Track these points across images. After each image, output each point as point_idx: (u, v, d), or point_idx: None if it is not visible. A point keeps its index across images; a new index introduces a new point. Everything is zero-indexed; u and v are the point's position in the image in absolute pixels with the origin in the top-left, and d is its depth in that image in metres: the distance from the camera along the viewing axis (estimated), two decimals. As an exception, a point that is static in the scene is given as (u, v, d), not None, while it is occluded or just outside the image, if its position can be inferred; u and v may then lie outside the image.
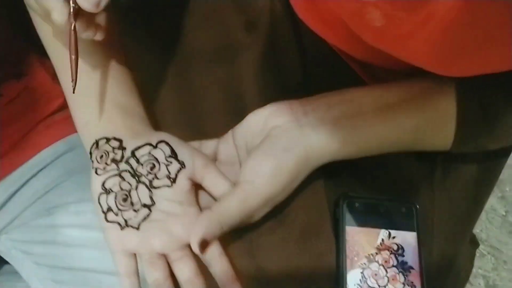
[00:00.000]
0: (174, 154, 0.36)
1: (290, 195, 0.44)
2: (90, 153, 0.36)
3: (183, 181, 0.36)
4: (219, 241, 0.37)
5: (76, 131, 0.55)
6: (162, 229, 0.35)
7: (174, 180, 0.35)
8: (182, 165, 0.36)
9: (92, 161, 0.36)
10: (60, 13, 0.31)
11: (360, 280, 0.42)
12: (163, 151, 0.36)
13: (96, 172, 0.35)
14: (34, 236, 0.53)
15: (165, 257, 0.36)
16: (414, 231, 0.44)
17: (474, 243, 0.54)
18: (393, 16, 0.26)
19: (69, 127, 0.57)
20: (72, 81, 0.33)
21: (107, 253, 0.52)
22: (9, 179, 0.53)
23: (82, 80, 0.37)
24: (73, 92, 0.34)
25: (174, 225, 0.35)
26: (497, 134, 0.39)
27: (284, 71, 0.46)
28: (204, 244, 0.34)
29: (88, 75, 0.39)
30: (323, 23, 0.33)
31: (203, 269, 0.37)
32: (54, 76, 0.58)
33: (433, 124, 0.38)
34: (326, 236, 0.44)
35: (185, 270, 0.36)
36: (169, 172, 0.35)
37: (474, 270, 0.52)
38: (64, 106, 0.57)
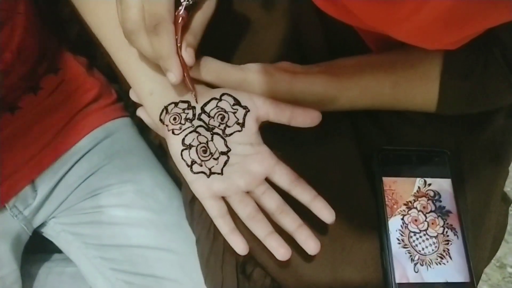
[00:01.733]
0: (237, 102, 0.39)
1: (322, 153, 0.47)
2: (161, 119, 0.39)
3: (250, 124, 0.39)
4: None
5: (112, 119, 0.60)
6: (242, 170, 0.39)
7: (243, 124, 0.39)
8: (247, 109, 0.39)
9: (167, 125, 0.38)
10: (176, 75, 0.37)
11: (401, 226, 0.43)
12: (228, 102, 0.39)
13: (173, 133, 0.38)
14: (81, 218, 0.56)
15: (250, 195, 0.40)
16: (449, 177, 0.46)
17: (506, 200, 0.55)
18: None
19: (106, 115, 0.60)
20: (192, 93, 0.39)
21: (150, 231, 0.55)
22: (54, 167, 0.55)
23: (141, 55, 0.40)
24: (196, 102, 0.39)
25: (252, 164, 0.39)
26: (477, 98, 0.42)
27: (308, 50, 0.48)
28: None
29: None
30: (338, 9, 0.36)
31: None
32: (87, 69, 0.61)
33: (412, 83, 0.42)
34: (362, 189, 0.46)
35: (272, 201, 0.39)
36: (237, 118, 0.38)
37: (508, 227, 0.53)
38: (99, 97, 0.60)
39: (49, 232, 0.58)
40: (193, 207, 0.58)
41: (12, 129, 0.53)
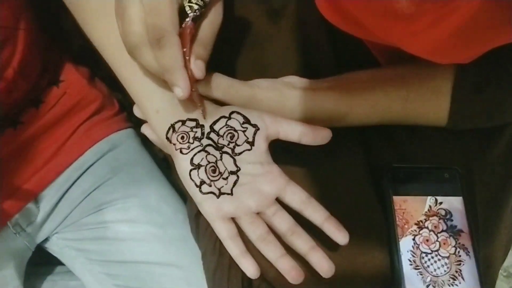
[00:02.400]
0: (247, 120, 0.38)
1: (332, 171, 0.46)
2: (167, 137, 0.38)
3: (260, 142, 0.38)
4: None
5: (115, 131, 0.59)
6: (253, 190, 0.38)
7: (253, 143, 0.38)
8: (256, 127, 0.38)
9: (174, 144, 0.37)
10: (184, 90, 0.35)
11: (412, 246, 0.43)
12: (237, 120, 0.38)
13: (181, 152, 0.37)
14: (85, 233, 0.55)
15: (260, 216, 0.39)
16: (460, 195, 0.45)
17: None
18: (421, 5, 0.28)
19: (109, 127, 0.59)
20: (200, 108, 0.38)
21: (155, 246, 0.54)
22: (58, 182, 0.54)
23: (147, 72, 0.39)
24: (204, 118, 0.38)
25: (262, 184, 0.38)
26: (491, 113, 0.41)
27: (316, 61, 0.47)
28: None
29: None
30: (347, 22, 0.35)
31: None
32: (89, 80, 0.60)
33: (423, 97, 0.41)
34: (372, 208, 0.45)
35: (283, 222, 0.38)
36: (247, 137, 0.38)
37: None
38: (101, 108, 0.59)
39: (52, 248, 0.57)
40: (198, 221, 0.57)
41: (15, 145, 0.52)
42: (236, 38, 0.47)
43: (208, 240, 0.55)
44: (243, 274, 0.52)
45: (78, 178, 0.55)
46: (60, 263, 0.61)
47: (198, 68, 0.36)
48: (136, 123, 0.67)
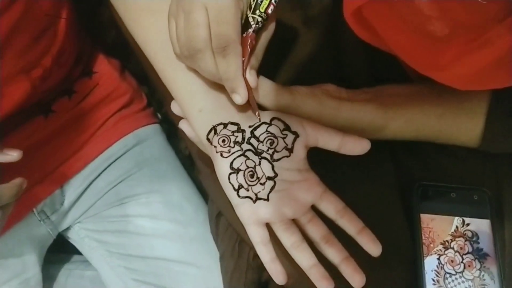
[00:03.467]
0: (287, 127, 0.38)
1: (361, 185, 0.46)
2: (208, 138, 0.38)
3: (299, 150, 0.38)
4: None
5: (143, 125, 0.59)
6: (289, 196, 0.38)
7: (291, 150, 0.38)
8: (296, 134, 0.38)
9: (215, 146, 0.38)
10: (243, 97, 0.37)
11: (437, 266, 0.43)
12: (278, 126, 0.38)
13: (222, 155, 0.37)
14: (107, 225, 0.56)
15: (295, 222, 0.39)
16: (488, 218, 0.45)
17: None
18: (455, 30, 0.28)
19: (137, 121, 0.59)
20: (255, 113, 0.39)
21: (175, 243, 0.55)
22: (84, 172, 0.55)
23: (193, 71, 0.40)
24: (259, 121, 0.39)
25: (298, 191, 0.38)
26: None
27: (348, 68, 0.47)
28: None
29: None
30: (376, 40, 0.35)
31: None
32: (120, 73, 0.60)
33: (458, 117, 0.41)
34: (398, 224, 0.45)
35: (318, 230, 0.38)
36: (286, 144, 0.38)
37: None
38: (130, 102, 0.59)
39: (73, 237, 0.58)
40: (218, 222, 0.58)
41: (44, 133, 0.52)
42: (271, 43, 0.47)
43: (227, 242, 0.55)
44: (259, 278, 0.52)
45: (104, 170, 0.56)
46: (76, 252, 0.62)
47: (253, 78, 0.37)
48: (163, 119, 0.67)
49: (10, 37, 0.43)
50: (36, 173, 0.52)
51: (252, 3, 0.36)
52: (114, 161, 0.56)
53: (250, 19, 0.36)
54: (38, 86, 0.49)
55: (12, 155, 0.42)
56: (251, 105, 0.38)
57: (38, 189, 0.52)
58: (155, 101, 0.66)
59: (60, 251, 0.63)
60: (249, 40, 0.36)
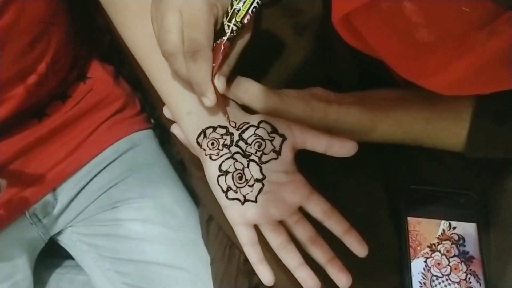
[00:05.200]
0: (274, 129, 0.39)
1: (349, 187, 0.46)
2: (198, 142, 0.39)
3: (286, 152, 0.39)
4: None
5: (136, 130, 0.60)
6: (276, 198, 0.38)
7: (279, 152, 0.38)
8: (284, 137, 0.39)
9: (204, 149, 0.38)
10: (212, 100, 0.38)
11: (423, 268, 0.43)
12: (265, 129, 0.39)
13: (211, 158, 0.38)
14: (98, 229, 0.56)
15: (282, 223, 0.39)
16: (474, 222, 0.45)
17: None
18: (441, 37, 0.29)
19: (130, 127, 0.60)
20: (225, 117, 0.40)
21: (166, 247, 0.55)
22: (77, 176, 0.55)
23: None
24: (229, 124, 0.40)
25: (286, 193, 0.39)
26: (508, 146, 0.42)
27: (337, 74, 0.48)
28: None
29: None
30: (366, 48, 0.36)
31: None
32: (114, 78, 0.61)
33: (444, 121, 0.42)
34: (385, 226, 0.46)
35: (305, 231, 0.39)
36: (274, 146, 0.38)
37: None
38: (124, 107, 0.60)
39: (64, 241, 0.58)
40: (209, 227, 0.58)
41: (38, 136, 0.53)
42: (262, 48, 0.48)
43: (218, 246, 0.56)
44: (249, 282, 0.52)
45: (96, 174, 0.56)
46: (68, 257, 0.62)
47: (221, 84, 0.38)
48: (156, 125, 0.68)
49: (3, 44, 0.43)
50: (29, 176, 0.52)
51: (229, 11, 0.37)
52: (107, 165, 0.56)
53: (226, 27, 0.37)
54: (33, 92, 0.49)
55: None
56: (221, 109, 0.39)
57: (30, 192, 0.52)
58: (148, 106, 0.67)
59: (51, 256, 0.63)
60: (222, 48, 0.37)
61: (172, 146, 0.64)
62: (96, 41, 0.61)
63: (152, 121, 0.66)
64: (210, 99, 0.38)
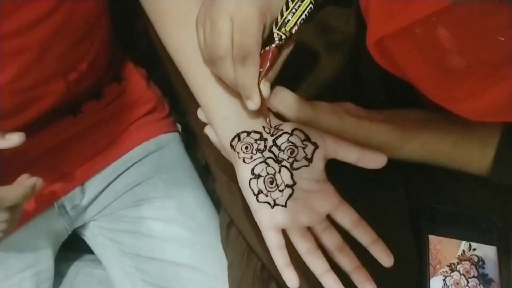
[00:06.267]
0: (308, 138, 0.40)
1: (371, 201, 0.47)
2: (231, 145, 0.41)
3: (318, 160, 0.40)
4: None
5: (163, 132, 0.61)
6: (306, 205, 0.39)
7: (311, 160, 0.40)
8: (316, 145, 0.40)
9: (238, 152, 0.40)
10: (256, 104, 0.39)
11: (442, 287, 0.43)
12: (299, 137, 0.40)
13: (244, 161, 0.39)
14: (121, 225, 0.57)
15: (310, 230, 0.40)
16: (494, 245, 0.46)
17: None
18: (473, 65, 0.30)
19: (158, 128, 0.62)
20: (267, 120, 0.41)
21: (185, 249, 0.56)
22: (104, 172, 0.57)
23: (220, 81, 0.42)
24: (270, 127, 0.42)
25: (315, 200, 0.40)
26: None
27: (366, 93, 0.50)
28: None
29: None
30: (398, 71, 0.37)
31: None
32: (146, 81, 0.63)
33: (471, 145, 0.43)
34: (407, 243, 0.46)
35: (332, 239, 0.40)
36: (306, 154, 0.39)
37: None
38: (154, 110, 0.62)
39: (87, 234, 0.59)
40: (229, 232, 0.59)
41: (72, 132, 0.55)
42: (295, 62, 0.50)
43: (236, 251, 0.56)
44: (265, 289, 0.53)
45: (123, 172, 0.58)
46: (87, 251, 0.63)
47: (266, 89, 0.39)
48: (183, 129, 0.70)
49: (51, 41, 0.46)
50: (60, 170, 0.54)
51: (279, 20, 0.39)
52: (134, 164, 0.58)
53: (275, 35, 0.39)
54: (73, 88, 0.51)
55: (13, 140, 0.42)
56: (263, 112, 0.41)
57: (60, 185, 0.54)
58: (176, 111, 0.69)
59: (72, 250, 0.64)
60: (270, 54, 0.39)
61: (196, 150, 0.66)
62: (133, 45, 0.63)
63: (179, 125, 0.68)
64: (255, 103, 0.39)
